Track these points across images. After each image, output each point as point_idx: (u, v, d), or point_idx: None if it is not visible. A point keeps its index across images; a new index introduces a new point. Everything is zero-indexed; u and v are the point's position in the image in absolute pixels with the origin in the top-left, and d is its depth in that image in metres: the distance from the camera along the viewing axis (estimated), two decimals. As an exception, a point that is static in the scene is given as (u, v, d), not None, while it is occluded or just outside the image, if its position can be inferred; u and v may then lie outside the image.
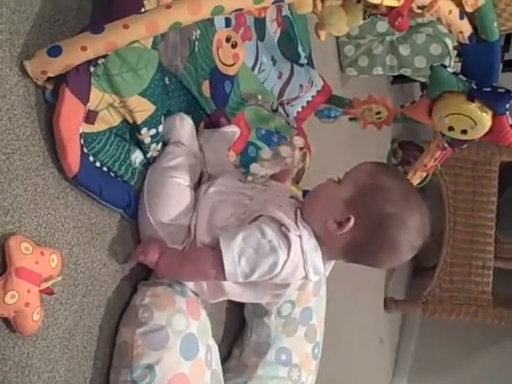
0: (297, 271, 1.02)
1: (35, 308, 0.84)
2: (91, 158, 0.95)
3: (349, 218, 0.99)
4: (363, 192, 1.01)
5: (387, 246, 1.01)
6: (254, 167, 1.13)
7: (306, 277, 1.04)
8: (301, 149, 1.44)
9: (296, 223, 1.02)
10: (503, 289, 2.52)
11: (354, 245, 1.01)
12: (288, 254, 0.99)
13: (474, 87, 1.10)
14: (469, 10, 1.01)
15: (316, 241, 1.03)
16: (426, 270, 2.67)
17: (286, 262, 0.99)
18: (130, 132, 1.02)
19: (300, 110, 1.53)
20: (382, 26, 1.85)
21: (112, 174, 1.00)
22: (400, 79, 2.20)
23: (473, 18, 1.04)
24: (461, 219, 2.45)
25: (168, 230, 1.05)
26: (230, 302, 1.30)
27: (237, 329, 1.36)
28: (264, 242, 0.99)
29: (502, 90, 1.10)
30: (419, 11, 0.97)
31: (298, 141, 1.19)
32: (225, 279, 1.01)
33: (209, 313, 1.13)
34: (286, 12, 1.43)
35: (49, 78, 0.86)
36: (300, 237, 1.01)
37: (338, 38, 1.91)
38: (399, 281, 2.75)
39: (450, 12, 1.00)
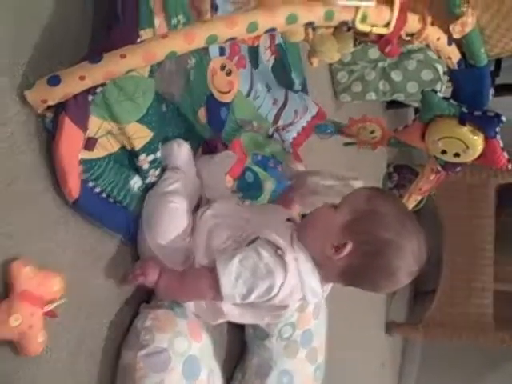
0: (294, 293, 1.04)
1: (39, 330, 0.86)
2: (91, 184, 0.98)
3: (345, 244, 1.02)
4: (360, 217, 1.03)
5: (384, 271, 1.03)
6: None
7: (303, 298, 1.06)
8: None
9: (292, 246, 1.04)
10: (504, 311, 2.51)
11: (351, 269, 1.04)
12: (285, 277, 1.01)
13: (465, 111, 1.13)
14: (456, 36, 1.04)
15: (313, 263, 1.05)
16: (426, 293, 2.68)
17: (282, 284, 1.01)
18: (128, 158, 1.05)
19: (295, 135, 1.56)
20: (374, 52, 1.89)
21: (111, 200, 1.02)
22: (394, 104, 2.24)
23: (461, 44, 1.07)
24: (459, 242, 2.46)
25: (166, 253, 1.07)
26: (230, 325, 1.31)
27: (238, 352, 1.36)
28: (261, 264, 1.01)
29: (492, 114, 1.13)
30: (408, 38, 1.01)
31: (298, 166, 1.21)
32: (222, 300, 1.03)
33: (210, 336, 1.14)
34: (279, 40, 1.47)
35: (48, 107, 0.89)
36: (296, 259, 1.03)
37: (331, 64, 1.95)
38: (400, 304, 2.75)
39: (439, 39, 1.03)
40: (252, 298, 1.02)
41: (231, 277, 1.00)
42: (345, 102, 2.02)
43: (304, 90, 1.60)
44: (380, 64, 1.92)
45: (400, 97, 1.98)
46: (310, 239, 1.06)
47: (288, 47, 1.50)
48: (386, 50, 0.96)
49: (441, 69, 1.81)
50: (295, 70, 1.54)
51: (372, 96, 1.97)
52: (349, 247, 1.01)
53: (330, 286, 1.13)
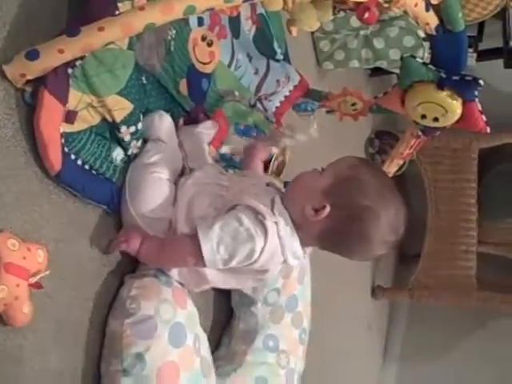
0: (275, 257, 1.07)
1: (24, 301, 0.88)
2: (73, 157, 0.98)
3: (324, 206, 1.04)
4: (341, 183, 1.06)
5: (359, 237, 1.05)
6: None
7: (284, 261, 1.08)
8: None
9: (272, 210, 1.06)
10: (487, 273, 2.56)
11: (328, 232, 1.06)
12: (265, 241, 1.03)
13: (444, 76, 1.15)
14: (434, 2, 1.05)
15: (292, 226, 1.07)
16: (411, 257, 2.71)
17: (263, 248, 1.04)
18: (109, 130, 1.06)
19: (278, 105, 1.56)
20: (356, 20, 1.85)
21: (94, 172, 1.03)
22: (378, 72, 2.24)
23: (438, 9, 1.08)
24: (443, 206, 2.49)
25: (150, 222, 1.09)
26: (216, 293, 1.34)
27: (225, 319, 1.39)
28: (241, 229, 1.03)
29: (470, 78, 1.15)
30: (386, 5, 1.02)
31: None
32: (205, 266, 1.05)
33: (196, 303, 1.16)
34: (260, 10, 1.46)
35: (28, 81, 0.89)
36: (276, 223, 1.05)
37: (313, 33, 1.94)
38: (386, 269, 2.80)
39: (416, 5, 1.04)
40: (234, 262, 1.04)
41: (212, 243, 1.02)
42: (328, 70, 2.02)
43: (286, 59, 1.60)
44: (362, 32, 1.92)
45: (383, 64, 1.98)
46: (292, 201, 1.08)
47: (270, 16, 1.50)
48: (364, 17, 0.96)
49: (422, 35, 1.81)
50: (277, 40, 1.54)
51: (355, 64, 1.97)
52: (327, 210, 1.04)
53: (309, 249, 1.16)
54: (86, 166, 1.02)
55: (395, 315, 2.88)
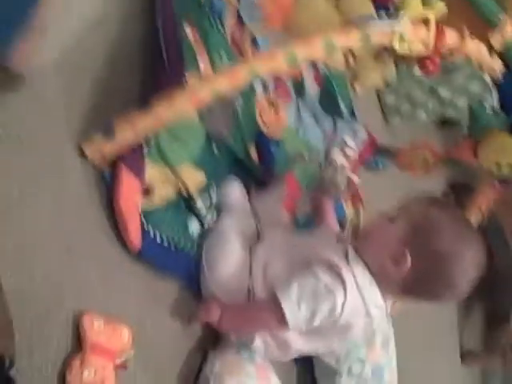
0: (357, 309, 1.02)
1: (111, 383, 0.86)
2: (152, 233, 0.99)
3: (405, 257, 1.00)
4: (417, 229, 1.02)
5: (444, 281, 1.01)
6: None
7: (367, 314, 1.04)
8: (353, 205, 1.46)
9: (347, 262, 1.03)
10: None
11: (411, 281, 1.02)
12: (345, 293, 0.99)
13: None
14: (497, 46, 1.03)
15: (371, 277, 1.03)
16: (500, 318, 2.56)
17: (344, 301, 1.00)
18: (185, 204, 1.06)
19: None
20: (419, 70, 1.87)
21: (173, 248, 1.03)
22: (446, 123, 2.17)
23: (502, 54, 1.06)
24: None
25: (228, 292, 1.06)
26: (298, 364, 1.29)
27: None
28: (320, 285, 1.00)
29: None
30: (449, 54, 1.01)
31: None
32: (287, 328, 1.01)
33: (279, 378, 1.12)
34: (322, 69, 1.47)
35: (105, 158, 0.92)
36: (353, 274, 1.01)
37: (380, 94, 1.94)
38: (474, 331, 2.64)
39: (479, 52, 1.02)
40: (317, 320, 1.00)
41: (293, 302, 0.99)
42: (395, 124, 1.98)
43: (352, 116, 1.60)
44: (427, 81, 1.88)
45: (451, 113, 1.94)
46: (367, 254, 1.05)
47: (333, 76, 1.50)
48: (427, 69, 0.95)
49: (489, 78, 1.76)
50: (342, 98, 1.54)
51: (422, 114, 1.93)
52: (408, 261, 1.00)
53: (390, 302, 1.11)
54: (165, 243, 1.02)
55: (488, 382, 2.70)
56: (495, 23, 1.02)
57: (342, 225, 1.37)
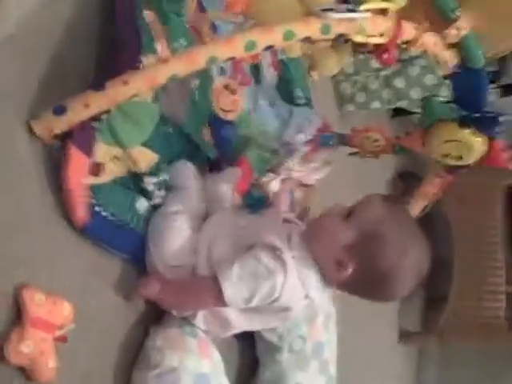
0: (296, 292, 1.06)
1: (50, 356, 0.87)
2: (98, 209, 0.99)
3: (347, 264, 1.05)
4: (365, 241, 1.05)
5: (384, 292, 1.09)
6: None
7: (307, 296, 1.08)
8: (304, 186, 1.48)
9: (289, 245, 1.06)
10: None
11: (350, 284, 1.08)
12: (285, 275, 1.03)
13: (465, 114, 1.14)
14: (452, 40, 1.04)
15: (312, 262, 1.07)
16: (438, 299, 2.66)
17: (284, 283, 1.03)
18: (133, 181, 1.06)
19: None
20: (376, 61, 1.89)
21: (119, 223, 1.03)
22: (400, 113, 2.23)
23: (457, 47, 1.08)
24: (469, 246, 2.45)
25: (173, 270, 1.08)
26: (241, 341, 1.31)
27: (249, 368, 1.36)
28: (260, 266, 1.03)
29: (492, 115, 1.14)
30: (404, 46, 1.02)
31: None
32: (226, 306, 1.04)
33: (221, 353, 1.14)
34: (281, 56, 1.47)
35: (55, 136, 0.91)
36: (294, 257, 1.05)
37: (334, 76, 1.95)
38: (412, 313, 2.73)
39: (435, 44, 1.04)
40: (255, 300, 1.03)
41: (232, 282, 1.02)
42: (349, 112, 2.02)
43: (309, 103, 1.61)
44: (383, 72, 1.92)
45: (404, 104, 1.98)
46: (313, 248, 1.08)
47: (291, 62, 1.51)
48: (383, 58, 0.97)
49: (442, 72, 1.80)
50: (299, 85, 1.55)
51: (376, 105, 1.97)
52: (350, 269, 1.05)
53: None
54: (111, 218, 1.02)
55: (424, 361, 2.80)
56: (452, 18, 1.03)
57: (292, 207, 1.39)
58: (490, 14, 1.08)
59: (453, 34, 1.05)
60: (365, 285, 1.07)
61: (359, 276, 1.06)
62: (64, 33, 0.95)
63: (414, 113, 2.10)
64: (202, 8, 1.11)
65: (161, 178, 1.09)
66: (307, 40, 0.94)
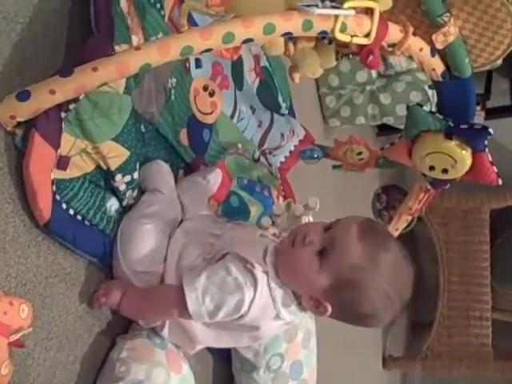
0: (266, 310, 0.99)
1: (3, 361, 0.79)
2: (64, 206, 0.93)
3: (326, 308, 0.99)
4: (343, 287, 0.97)
5: (365, 322, 1.04)
6: (266, 220, 1.12)
7: (277, 316, 1.00)
8: (285, 198, 1.44)
9: (264, 261, 0.99)
10: (503, 341, 2.46)
11: (329, 316, 1.01)
12: (254, 291, 0.96)
13: (451, 125, 1.11)
14: (439, 46, 1.02)
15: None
16: (424, 325, 2.61)
17: (252, 299, 0.96)
18: (104, 179, 1.01)
19: (283, 160, 1.52)
20: (362, 75, 1.88)
21: (87, 223, 0.98)
22: (385, 130, 2.21)
23: (444, 55, 1.05)
24: (455, 270, 2.42)
25: (141, 276, 1.02)
26: (216, 358, 1.26)
27: (224, 386, 1.30)
28: (229, 279, 0.96)
29: (479, 127, 1.10)
30: (390, 49, 0.99)
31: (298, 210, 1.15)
32: (190, 318, 0.97)
33: (194, 369, 1.08)
34: (264, 63, 1.45)
35: (18, 123, 0.85)
36: (267, 273, 0.98)
37: (319, 89, 1.94)
38: (397, 338, 2.68)
39: (421, 49, 1.01)
40: (221, 314, 0.96)
41: (197, 292, 0.95)
42: (334, 126, 2.00)
43: (291, 113, 1.57)
44: (368, 87, 1.90)
45: (389, 120, 1.96)
46: (287, 278, 0.99)
47: (274, 70, 1.48)
48: (368, 60, 0.93)
49: (429, 91, 1.80)
50: (282, 94, 1.51)
51: (361, 120, 1.95)
52: (329, 312, 0.99)
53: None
54: (78, 216, 0.96)
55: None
56: (439, 23, 1.00)
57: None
58: (477, 22, 1.06)
59: (440, 39, 1.02)
60: (345, 318, 1.03)
61: (338, 313, 1.00)
62: (32, 18, 0.91)
63: (400, 130, 2.08)
64: (181, 1, 1.08)
65: (133, 178, 1.03)
66: (288, 36, 0.90)
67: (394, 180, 2.42)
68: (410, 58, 1.04)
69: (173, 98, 1.12)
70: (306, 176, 1.52)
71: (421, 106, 1.14)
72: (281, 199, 1.43)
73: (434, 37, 1.01)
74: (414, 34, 0.98)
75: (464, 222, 2.39)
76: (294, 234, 1.01)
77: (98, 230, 0.99)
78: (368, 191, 2.34)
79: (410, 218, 1.41)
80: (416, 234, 2.08)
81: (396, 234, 1.42)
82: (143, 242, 1.02)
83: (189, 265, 1.03)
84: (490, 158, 1.14)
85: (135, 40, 0.99)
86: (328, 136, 1.97)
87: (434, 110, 1.17)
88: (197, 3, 0.94)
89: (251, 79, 1.39)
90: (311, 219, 1.13)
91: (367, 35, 0.91)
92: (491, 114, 2.22)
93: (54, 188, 0.90)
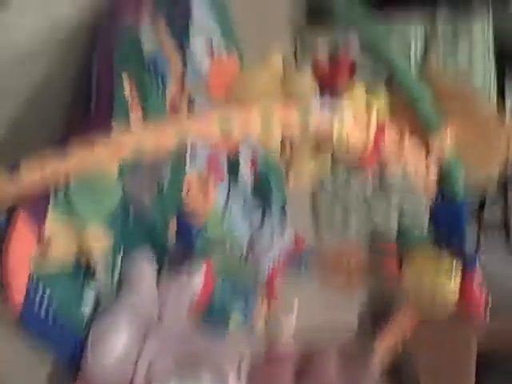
0: None
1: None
2: (38, 298, 0.88)
3: None
4: None
5: None
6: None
7: None
8: (268, 303, 1.39)
9: (238, 375, 0.94)
10: None
11: None
12: None
13: (442, 246, 1.08)
14: (435, 154, 1.00)
15: None
16: None
17: None
18: (84, 272, 0.96)
19: (271, 264, 1.49)
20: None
21: (59, 319, 0.92)
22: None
23: (440, 177, 1.05)
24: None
25: (108, 380, 0.94)
26: None
27: None
28: None
29: (472, 252, 1.09)
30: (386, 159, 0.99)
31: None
32: None
33: None
34: (260, 166, 1.44)
35: (4, 200, 0.82)
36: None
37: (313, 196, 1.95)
38: None
39: (417, 160, 1.01)
40: None
41: None
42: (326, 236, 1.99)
43: (283, 214, 1.56)
44: (362, 196, 1.91)
45: (382, 237, 1.95)
46: None
47: (270, 170, 1.47)
48: (364, 162, 0.93)
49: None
50: (276, 194, 1.50)
51: (353, 231, 1.94)
52: None
53: None
54: (51, 310, 0.90)
55: None
56: (435, 132, 1.00)
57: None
58: (472, 140, 1.07)
59: (436, 147, 1.02)
60: None
61: None
62: (30, 92, 0.91)
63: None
64: (183, 88, 1.09)
65: (115, 268, 0.99)
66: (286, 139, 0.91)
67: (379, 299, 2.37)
68: (405, 172, 1.05)
69: (165, 189, 1.11)
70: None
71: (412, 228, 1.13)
72: (264, 304, 1.39)
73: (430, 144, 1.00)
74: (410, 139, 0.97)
75: (449, 357, 2.34)
76: None
77: (69, 329, 0.93)
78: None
79: (394, 341, 1.35)
80: (402, 369, 1.99)
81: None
82: (114, 348, 0.95)
83: (159, 373, 0.95)
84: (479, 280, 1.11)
85: (133, 118, 0.98)
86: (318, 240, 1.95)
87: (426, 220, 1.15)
88: (199, 92, 0.95)
89: (246, 173, 1.37)
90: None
91: (363, 140, 0.91)
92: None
93: (32, 275, 0.86)
